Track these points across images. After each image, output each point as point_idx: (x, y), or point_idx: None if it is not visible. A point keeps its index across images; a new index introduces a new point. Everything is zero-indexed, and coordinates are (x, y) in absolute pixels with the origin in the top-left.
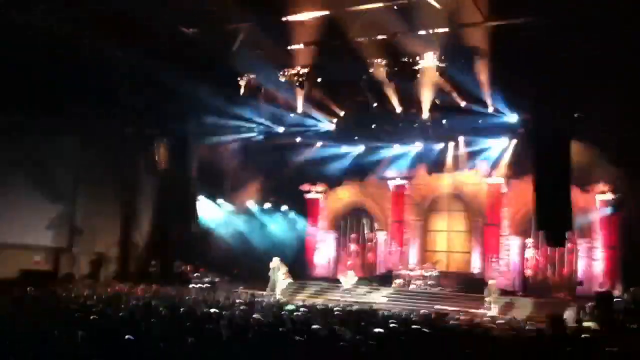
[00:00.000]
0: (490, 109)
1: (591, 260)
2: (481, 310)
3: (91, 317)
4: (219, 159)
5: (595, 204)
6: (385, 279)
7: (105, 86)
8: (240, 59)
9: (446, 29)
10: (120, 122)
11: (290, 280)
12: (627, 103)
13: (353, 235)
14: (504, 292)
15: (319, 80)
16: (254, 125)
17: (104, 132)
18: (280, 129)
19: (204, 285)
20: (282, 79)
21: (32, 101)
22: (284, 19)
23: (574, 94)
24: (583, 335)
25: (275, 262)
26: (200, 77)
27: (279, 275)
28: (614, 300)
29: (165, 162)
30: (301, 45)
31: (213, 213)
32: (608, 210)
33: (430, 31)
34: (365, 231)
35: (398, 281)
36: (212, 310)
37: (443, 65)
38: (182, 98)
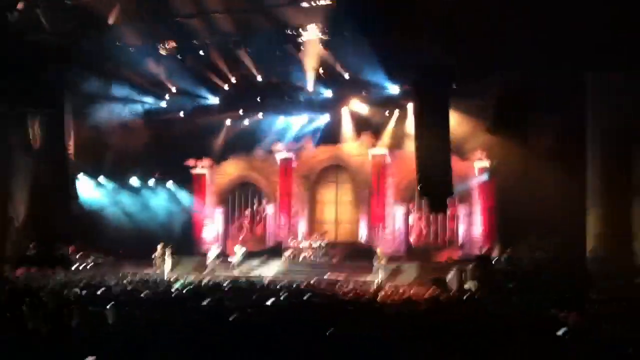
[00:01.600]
0: (374, 81)
1: (471, 224)
2: (369, 278)
3: None
4: (99, 135)
5: (473, 171)
6: (275, 252)
7: None
8: (118, 32)
9: (329, 1)
10: None
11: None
12: (501, 74)
13: (241, 210)
14: (390, 259)
15: (201, 52)
16: (135, 99)
17: None
18: (163, 104)
19: (88, 267)
20: (163, 52)
21: None
22: None
23: (452, 66)
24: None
25: (159, 249)
26: (76, 51)
27: (165, 258)
28: (493, 261)
29: (40, 140)
30: (183, 18)
31: (95, 192)
32: (485, 177)
33: (313, 3)
34: (254, 205)
35: (287, 253)
36: (99, 291)
37: (326, 37)
38: (57, 73)
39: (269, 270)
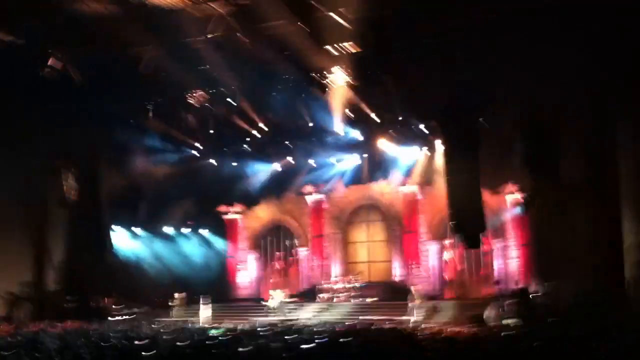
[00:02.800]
0: (400, 118)
1: (506, 259)
2: (405, 317)
3: None
4: (132, 185)
5: (506, 204)
6: (310, 295)
7: (7, 120)
8: (147, 82)
9: (352, 48)
10: (24, 155)
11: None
12: (528, 107)
13: (274, 253)
14: (426, 297)
15: (228, 100)
16: (166, 149)
17: (8, 167)
18: (194, 152)
19: (125, 317)
20: (192, 101)
21: None
22: (190, 39)
23: (478, 101)
24: (504, 333)
25: (177, 297)
26: (108, 103)
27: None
28: (531, 296)
29: (74, 192)
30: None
31: (130, 242)
32: (518, 210)
33: (338, 49)
34: (287, 248)
35: (322, 295)
36: (136, 342)
37: (352, 80)
38: (89, 126)
39: (304, 313)
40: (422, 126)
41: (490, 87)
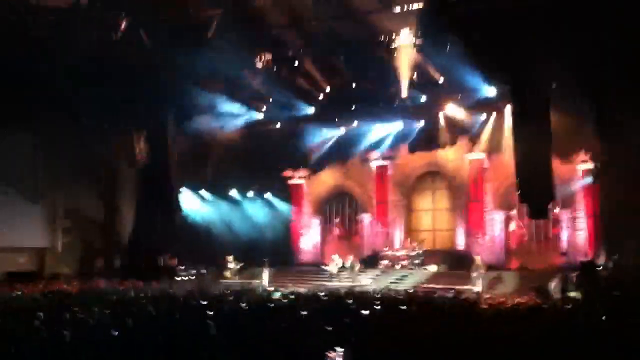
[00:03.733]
0: (469, 83)
1: (574, 230)
2: (468, 286)
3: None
4: (199, 149)
5: (577, 173)
6: (372, 261)
7: (79, 82)
8: (215, 46)
9: (420, 5)
10: (96, 117)
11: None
12: (602, 73)
13: (338, 219)
14: (489, 267)
15: (295, 63)
16: (233, 112)
17: (80, 128)
18: (260, 116)
19: (191, 278)
20: (259, 65)
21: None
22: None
23: (550, 65)
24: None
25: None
26: (175, 67)
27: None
28: (598, 268)
29: (144, 154)
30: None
31: (197, 204)
32: (589, 180)
33: (405, 8)
34: (350, 214)
35: (384, 262)
36: (201, 302)
37: (419, 42)
38: (158, 89)
39: (366, 280)
40: (492, 92)
41: (564, 52)
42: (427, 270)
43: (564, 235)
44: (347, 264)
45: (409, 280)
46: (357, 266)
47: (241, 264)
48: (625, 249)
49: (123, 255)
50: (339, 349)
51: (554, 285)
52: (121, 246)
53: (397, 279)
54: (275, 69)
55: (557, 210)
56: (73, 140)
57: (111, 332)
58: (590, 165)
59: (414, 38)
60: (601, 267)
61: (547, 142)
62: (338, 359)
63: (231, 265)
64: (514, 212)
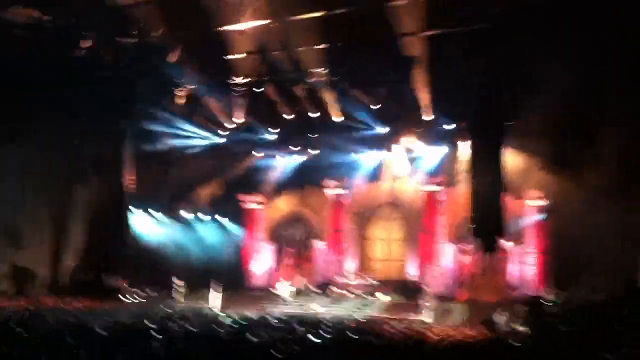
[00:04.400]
0: (428, 117)
1: (524, 265)
2: (417, 317)
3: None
4: (154, 169)
5: (528, 210)
6: (324, 288)
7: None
8: (177, 70)
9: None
10: (46, 135)
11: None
12: (558, 111)
13: (291, 246)
14: (440, 298)
15: (259, 90)
16: (191, 135)
17: (28, 140)
18: (220, 140)
19: (140, 299)
20: (221, 90)
21: None
22: (222, 29)
23: (506, 103)
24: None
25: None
26: (134, 87)
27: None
28: (545, 304)
29: (98, 170)
30: (241, 55)
31: (148, 225)
32: (540, 216)
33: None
34: (304, 241)
35: (337, 290)
36: (149, 325)
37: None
38: (117, 109)
39: (316, 307)
40: (449, 126)
41: (518, 90)
42: (379, 299)
43: (515, 270)
44: (299, 288)
45: (361, 309)
46: (310, 290)
47: (186, 287)
48: (575, 285)
49: (70, 274)
50: None
51: (502, 318)
52: (69, 265)
53: (349, 307)
54: (236, 95)
55: (508, 245)
56: (27, 154)
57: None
58: (542, 202)
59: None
60: (550, 303)
61: (500, 178)
62: None
63: (180, 288)
64: (465, 244)
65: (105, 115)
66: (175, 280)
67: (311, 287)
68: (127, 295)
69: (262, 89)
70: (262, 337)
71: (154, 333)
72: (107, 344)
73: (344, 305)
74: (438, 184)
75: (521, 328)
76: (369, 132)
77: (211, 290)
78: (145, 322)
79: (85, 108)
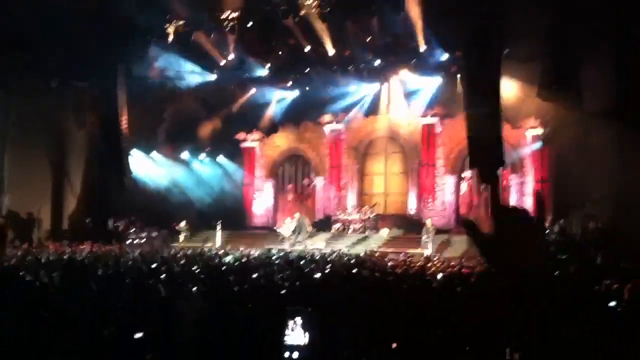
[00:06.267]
0: (422, 49)
1: (523, 195)
2: (418, 250)
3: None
4: (150, 110)
5: (526, 139)
6: (324, 224)
7: (27, 37)
8: (167, 3)
9: None
10: (45, 75)
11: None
12: (555, 38)
13: (291, 182)
14: (440, 231)
15: (249, 24)
16: (184, 73)
17: (27, 86)
18: (212, 77)
19: (141, 241)
20: (212, 24)
21: None
22: None
23: (502, 31)
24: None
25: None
26: (126, 25)
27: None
28: (545, 232)
29: (93, 115)
30: None
31: (147, 166)
32: (538, 145)
33: None
34: (303, 177)
35: (337, 226)
36: (152, 265)
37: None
38: (108, 48)
39: (318, 243)
40: (444, 56)
41: (514, 15)
42: (379, 234)
43: (513, 200)
44: (296, 223)
45: (361, 243)
46: (307, 224)
47: (194, 229)
48: (573, 213)
49: (72, 219)
50: (299, 316)
51: None
52: (70, 209)
53: (349, 242)
54: (229, 29)
55: (506, 175)
56: (26, 99)
57: (58, 295)
58: (539, 131)
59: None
60: (548, 231)
61: (497, 107)
62: (299, 324)
63: (182, 228)
64: (465, 176)
65: (97, 57)
66: (180, 221)
67: (311, 223)
68: (129, 237)
69: (253, 22)
70: (264, 274)
71: (156, 273)
72: (110, 286)
73: (344, 240)
74: (435, 116)
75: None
76: (364, 65)
77: (212, 230)
78: (148, 262)
79: (76, 47)
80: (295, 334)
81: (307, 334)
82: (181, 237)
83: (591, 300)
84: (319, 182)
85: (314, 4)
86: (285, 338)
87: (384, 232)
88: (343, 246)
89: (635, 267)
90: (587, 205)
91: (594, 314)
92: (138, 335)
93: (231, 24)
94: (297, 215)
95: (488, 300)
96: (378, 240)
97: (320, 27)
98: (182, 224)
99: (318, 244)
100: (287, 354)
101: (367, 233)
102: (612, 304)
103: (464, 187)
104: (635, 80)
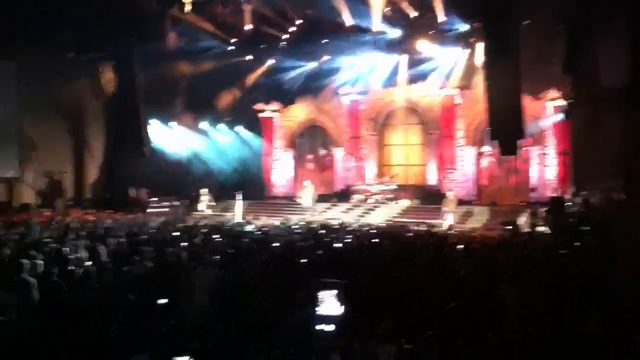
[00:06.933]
0: (441, 19)
1: (543, 166)
2: (438, 221)
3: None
4: (168, 80)
5: (547, 110)
6: (344, 195)
7: (44, 7)
8: None
9: None
10: (62, 46)
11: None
12: (573, 8)
13: (310, 153)
14: (460, 202)
15: None
16: (202, 44)
17: (46, 57)
18: (230, 47)
19: (162, 210)
20: None
21: None
22: None
23: (521, 1)
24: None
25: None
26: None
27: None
28: (566, 204)
29: (111, 85)
30: None
31: (166, 136)
32: (559, 117)
33: None
34: (322, 148)
35: (356, 196)
36: (173, 234)
37: None
38: (127, 18)
39: (338, 214)
40: (464, 27)
41: None
42: (399, 204)
43: (534, 172)
44: (319, 195)
45: (382, 214)
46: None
47: (215, 198)
48: (594, 185)
49: (93, 188)
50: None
51: (523, 220)
52: (91, 178)
53: (369, 213)
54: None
55: (527, 147)
56: (47, 72)
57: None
58: (561, 102)
59: None
60: (570, 203)
61: (517, 78)
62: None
63: (204, 198)
64: (486, 148)
65: (114, 28)
66: (201, 190)
67: (331, 194)
68: (150, 207)
69: None
70: (285, 243)
71: (177, 241)
72: (133, 252)
73: (364, 211)
74: (455, 88)
75: (541, 228)
76: (382, 36)
77: (233, 200)
78: (170, 231)
79: (94, 22)
80: (329, 306)
81: (340, 306)
82: (203, 206)
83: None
84: (338, 152)
85: None
86: (318, 309)
87: (404, 203)
88: (363, 216)
89: None
90: (609, 178)
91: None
92: (162, 301)
93: None
94: (307, 183)
95: (507, 270)
96: (398, 210)
97: None
98: (204, 191)
99: (338, 214)
100: (320, 327)
101: (387, 203)
102: None
103: (484, 158)
104: None
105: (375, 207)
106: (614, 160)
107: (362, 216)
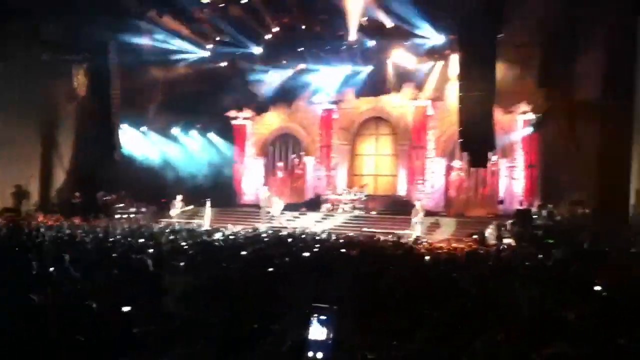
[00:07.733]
0: (417, 30)
1: (512, 179)
2: (407, 231)
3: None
4: (141, 85)
5: (517, 124)
6: (314, 204)
7: (20, 7)
8: None
9: None
10: (36, 48)
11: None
12: (548, 23)
13: (281, 161)
14: (429, 213)
15: (243, 1)
16: (177, 49)
17: (19, 58)
18: (205, 53)
19: (130, 216)
20: (205, 1)
21: None
22: None
23: (497, 15)
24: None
25: (178, 201)
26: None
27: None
28: (533, 216)
29: (84, 89)
30: None
31: (137, 141)
32: (529, 130)
33: None
34: (293, 157)
35: (326, 206)
36: (139, 240)
37: None
38: (102, 21)
39: (307, 223)
40: (439, 39)
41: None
42: (369, 214)
43: (502, 184)
44: (289, 204)
45: (350, 224)
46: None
47: (188, 205)
48: (561, 199)
49: (61, 192)
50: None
51: (489, 231)
52: (59, 182)
53: (338, 222)
54: (222, 5)
55: (496, 159)
56: (20, 74)
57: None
58: (531, 116)
59: None
60: (536, 216)
61: (490, 92)
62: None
63: (179, 204)
64: (456, 160)
65: (89, 31)
66: (177, 197)
67: (301, 204)
68: (118, 212)
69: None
70: (253, 251)
71: (145, 248)
72: (99, 259)
73: (334, 220)
74: (427, 99)
75: (507, 240)
76: (357, 46)
77: (201, 206)
78: (136, 237)
79: (69, 24)
80: (317, 331)
81: (327, 331)
82: (175, 212)
83: (578, 283)
84: (309, 161)
85: None
86: (308, 334)
87: (372, 213)
88: (332, 225)
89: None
90: (576, 191)
91: (580, 297)
92: (126, 308)
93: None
94: (267, 193)
95: (477, 280)
96: (367, 221)
97: (314, 6)
98: (179, 197)
99: (307, 223)
100: (310, 354)
101: (356, 213)
102: (598, 287)
103: (454, 170)
104: (620, 71)
105: (344, 216)
106: (585, 172)
107: (331, 225)
